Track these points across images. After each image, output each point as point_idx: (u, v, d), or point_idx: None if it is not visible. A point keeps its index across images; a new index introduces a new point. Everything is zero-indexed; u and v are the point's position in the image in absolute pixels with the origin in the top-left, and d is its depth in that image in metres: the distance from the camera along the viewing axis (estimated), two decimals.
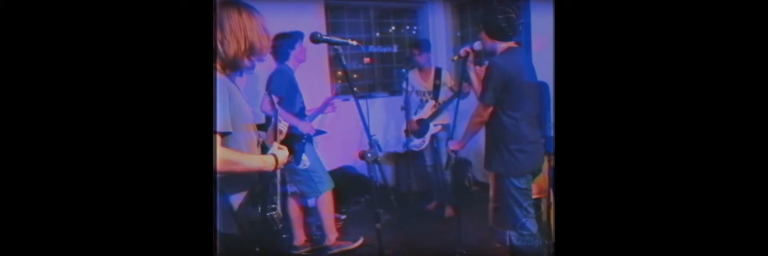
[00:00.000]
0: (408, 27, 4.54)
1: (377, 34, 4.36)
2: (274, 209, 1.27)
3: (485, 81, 2.05)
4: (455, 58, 2.36)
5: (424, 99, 3.43)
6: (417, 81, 3.46)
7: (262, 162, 1.30)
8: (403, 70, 3.68)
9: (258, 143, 1.42)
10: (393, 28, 4.47)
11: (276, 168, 1.32)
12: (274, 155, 1.33)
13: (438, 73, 3.36)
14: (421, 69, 3.43)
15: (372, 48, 4.29)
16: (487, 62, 2.10)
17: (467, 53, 2.24)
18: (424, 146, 3.46)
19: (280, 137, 1.45)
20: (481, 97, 2.08)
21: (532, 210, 2.16)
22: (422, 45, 3.41)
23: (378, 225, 1.76)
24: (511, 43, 2.10)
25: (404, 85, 3.50)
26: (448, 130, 3.14)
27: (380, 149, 1.97)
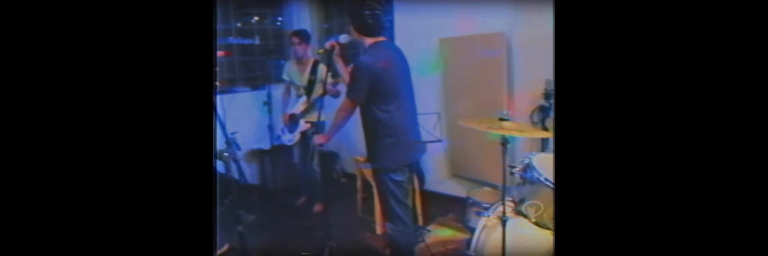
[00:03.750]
0: (272, 18, 4.37)
1: (238, 24, 4.12)
2: None
3: (352, 79, 2.06)
4: (321, 51, 2.33)
5: (300, 93, 3.34)
6: (294, 73, 3.33)
7: None
8: (282, 61, 3.52)
9: None
10: (256, 18, 4.26)
11: None
12: None
13: (315, 67, 3.24)
14: (299, 61, 3.30)
15: (232, 39, 4.04)
16: (352, 65, 2.11)
17: (333, 46, 2.23)
18: (294, 141, 3.39)
19: None
20: (348, 93, 2.09)
21: (407, 202, 2.23)
22: (302, 34, 3.24)
23: (239, 227, 1.66)
24: (380, 38, 2.13)
25: (284, 76, 3.37)
26: (317, 127, 3.11)
27: (238, 147, 1.86)
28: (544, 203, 1.87)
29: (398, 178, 2.15)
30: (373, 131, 2.14)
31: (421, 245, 2.79)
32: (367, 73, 2.00)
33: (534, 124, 2.82)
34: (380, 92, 2.04)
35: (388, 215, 2.24)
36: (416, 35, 3.35)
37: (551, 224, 1.62)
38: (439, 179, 3.52)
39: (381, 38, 2.12)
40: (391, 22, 3.41)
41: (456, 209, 3.16)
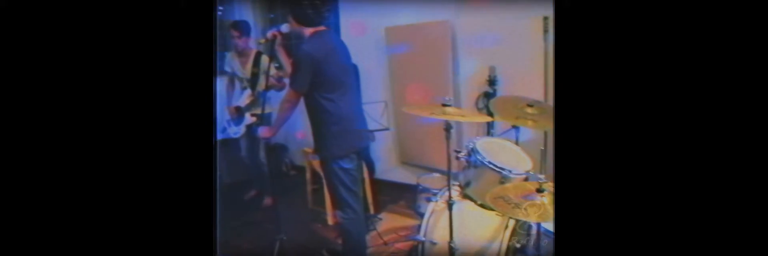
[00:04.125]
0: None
1: None
2: None
3: (294, 69, 2.04)
4: (263, 41, 2.28)
5: (244, 86, 3.25)
6: (236, 66, 3.23)
7: None
8: (224, 52, 3.39)
9: None
10: None
11: None
12: None
13: (257, 58, 3.15)
14: (239, 53, 3.20)
15: None
16: (293, 55, 2.08)
17: (275, 36, 2.18)
18: (241, 135, 3.30)
19: None
20: (291, 84, 2.06)
21: (357, 189, 2.23)
22: (241, 26, 3.16)
23: None
24: (320, 27, 2.10)
25: (226, 68, 3.24)
26: (262, 120, 3.03)
27: None
28: (485, 184, 1.91)
29: (347, 165, 2.14)
30: (318, 119, 2.12)
31: (373, 233, 2.80)
32: (308, 63, 1.98)
33: (479, 110, 2.88)
34: (323, 81, 2.02)
35: (338, 203, 2.23)
36: (361, 24, 3.33)
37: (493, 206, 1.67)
38: (389, 167, 3.53)
39: (321, 28, 2.10)
40: (332, 11, 3.38)
41: (407, 196, 3.19)
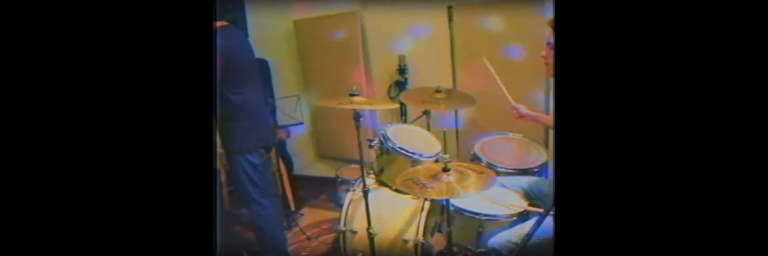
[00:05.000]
0: None
1: None
2: None
3: None
4: None
5: None
6: None
7: None
8: None
9: None
10: None
11: None
12: None
13: None
14: None
15: None
16: None
17: None
18: None
19: None
20: None
21: (263, 185, 2.17)
22: None
23: None
24: (223, 22, 2.03)
25: None
26: None
27: None
28: (397, 169, 1.93)
29: (255, 161, 2.08)
30: (226, 113, 2.05)
31: (295, 229, 2.74)
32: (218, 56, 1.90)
33: (392, 98, 2.91)
34: (229, 77, 1.96)
35: (244, 200, 2.17)
36: (269, 18, 3.23)
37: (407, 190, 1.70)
38: (307, 162, 3.48)
39: (224, 22, 2.04)
40: (236, 5, 3.26)
41: (328, 190, 3.15)
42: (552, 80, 2.41)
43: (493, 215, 1.73)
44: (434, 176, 1.54)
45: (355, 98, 1.90)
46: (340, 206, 2.69)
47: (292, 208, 2.94)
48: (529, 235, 1.10)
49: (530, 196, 1.86)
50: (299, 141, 3.37)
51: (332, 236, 2.67)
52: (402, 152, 1.97)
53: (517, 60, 2.50)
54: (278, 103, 2.82)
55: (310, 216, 2.95)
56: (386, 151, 2.03)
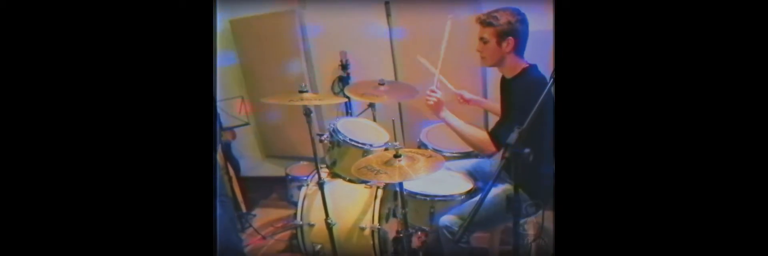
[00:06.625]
0: None
1: None
2: None
3: None
4: None
5: None
6: None
7: None
8: None
9: None
10: None
11: None
12: None
13: None
14: None
15: None
16: None
17: None
18: None
19: None
20: None
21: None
22: None
23: None
24: None
25: None
26: None
27: None
28: (350, 160, 1.98)
29: None
30: None
31: (250, 230, 2.71)
32: None
33: (336, 93, 2.95)
34: None
35: None
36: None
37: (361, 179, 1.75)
38: (254, 163, 3.43)
39: None
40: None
41: (278, 189, 3.14)
42: (489, 69, 2.55)
43: (443, 196, 1.83)
44: (387, 163, 1.61)
45: (305, 95, 1.93)
46: (293, 203, 2.71)
47: (244, 209, 2.90)
48: (476, 209, 1.20)
49: (474, 176, 1.97)
50: (245, 142, 3.33)
51: (288, 233, 2.68)
52: (353, 143, 2.02)
53: (454, 51, 2.62)
54: (222, 105, 2.78)
55: (263, 216, 2.93)
56: (337, 144, 2.07)
